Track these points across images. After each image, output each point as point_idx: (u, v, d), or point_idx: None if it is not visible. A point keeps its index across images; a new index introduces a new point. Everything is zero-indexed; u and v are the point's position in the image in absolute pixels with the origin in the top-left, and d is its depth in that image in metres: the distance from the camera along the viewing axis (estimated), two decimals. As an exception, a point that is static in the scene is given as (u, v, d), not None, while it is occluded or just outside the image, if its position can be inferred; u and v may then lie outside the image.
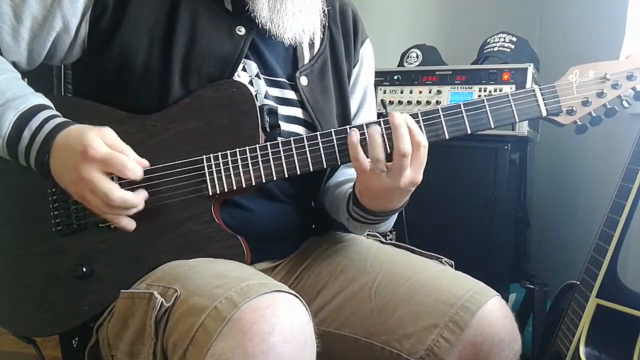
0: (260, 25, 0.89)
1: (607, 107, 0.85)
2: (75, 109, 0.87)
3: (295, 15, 0.90)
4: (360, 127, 0.82)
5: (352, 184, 0.93)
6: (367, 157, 0.80)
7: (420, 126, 0.81)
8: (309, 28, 0.93)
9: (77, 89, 1.00)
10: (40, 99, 0.83)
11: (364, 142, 0.80)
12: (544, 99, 0.84)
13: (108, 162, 0.75)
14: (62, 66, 1.10)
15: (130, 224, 0.81)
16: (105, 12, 0.87)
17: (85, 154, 0.74)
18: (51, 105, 0.83)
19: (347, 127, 0.84)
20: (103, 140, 0.76)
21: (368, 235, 1.08)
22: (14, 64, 0.88)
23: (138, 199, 0.79)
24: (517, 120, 0.84)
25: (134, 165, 0.77)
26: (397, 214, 0.91)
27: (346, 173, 1.03)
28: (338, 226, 1.04)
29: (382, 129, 0.80)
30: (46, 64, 0.93)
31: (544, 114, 0.84)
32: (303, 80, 0.96)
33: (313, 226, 1.05)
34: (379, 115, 1.43)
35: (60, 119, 0.81)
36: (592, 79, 0.84)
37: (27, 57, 0.88)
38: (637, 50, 0.85)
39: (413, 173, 0.79)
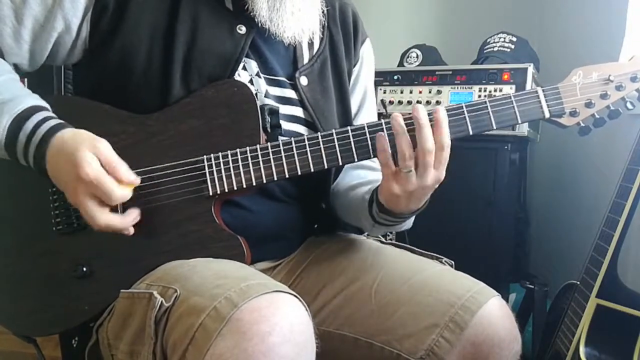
0: (259, 25, 0.90)
1: (611, 108, 0.85)
2: (76, 108, 0.87)
3: (294, 15, 0.90)
4: (361, 127, 0.83)
5: (367, 187, 0.93)
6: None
7: None
8: (309, 27, 0.93)
9: (77, 89, 1.00)
10: (36, 100, 0.83)
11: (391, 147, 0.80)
12: (546, 101, 0.84)
13: (95, 187, 0.76)
14: (62, 66, 1.10)
15: (128, 230, 0.81)
16: (105, 12, 0.87)
17: (76, 174, 0.75)
18: (46, 106, 0.83)
19: (348, 127, 0.84)
20: (97, 155, 0.76)
21: (368, 235, 1.08)
22: (16, 66, 0.88)
23: (125, 222, 0.80)
24: (520, 121, 0.84)
25: (119, 192, 0.77)
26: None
27: (355, 176, 1.02)
28: (343, 226, 1.04)
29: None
30: (48, 64, 0.93)
31: (547, 115, 0.84)
32: (303, 80, 0.96)
33: (316, 226, 1.05)
34: (379, 115, 1.43)
35: (56, 121, 0.80)
36: (596, 80, 0.84)
37: (29, 58, 0.88)
38: (640, 52, 0.85)
39: (438, 171, 0.79)
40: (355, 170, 1.03)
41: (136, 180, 0.80)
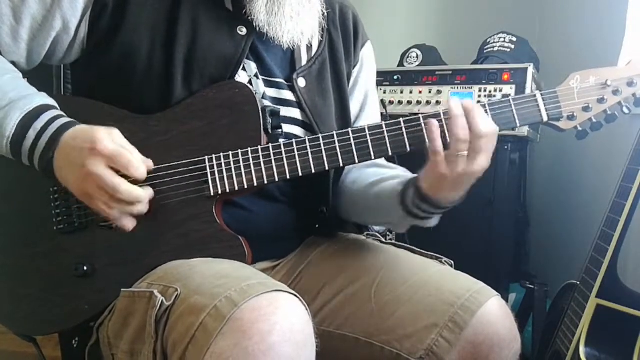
0: (257, 28, 0.90)
1: (608, 113, 0.85)
2: (76, 108, 0.87)
3: (293, 19, 0.90)
4: (362, 129, 0.83)
5: (396, 181, 0.92)
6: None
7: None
8: (307, 31, 0.93)
9: (76, 89, 1.00)
10: (45, 98, 0.83)
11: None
12: (545, 104, 0.84)
13: (115, 158, 0.76)
14: (62, 66, 1.10)
15: (130, 224, 0.81)
16: (105, 12, 0.87)
17: (93, 149, 0.75)
18: (56, 105, 0.84)
19: (349, 129, 0.84)
20: (111, 138, 0.77)
21: (368, 235, 1.08)
22: (14, 64, 0.88)
23: (145, 193, 0.80)
24: (519, 125, 0.84)
25: (140, 164, 0.78)
26: None
27: (373, 173, 1.01)
28: (345, 226, 1.04)
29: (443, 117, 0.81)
30: (45, 64, 0.93)
31: (545, 119, 0.85)
32: (301, 82, 0.96)
33: (317, 226, 1.05)
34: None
35: (65, 119, 0.81)
36: (593, 85, 0.85)
37: (27, 57, 0.88)
38: (637, 57, 0.86)
39: (487, 156, 0.80)
40: (369, 168, 1.02)
41: (149, 162, 0.81)
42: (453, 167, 0.80)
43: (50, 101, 0.83)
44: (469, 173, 0.80)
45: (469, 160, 0.79)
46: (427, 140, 0.81)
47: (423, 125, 0.82)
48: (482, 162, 0.80)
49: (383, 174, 0.99)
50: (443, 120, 0.81)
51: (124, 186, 0.77)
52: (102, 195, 0.77)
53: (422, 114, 0.83)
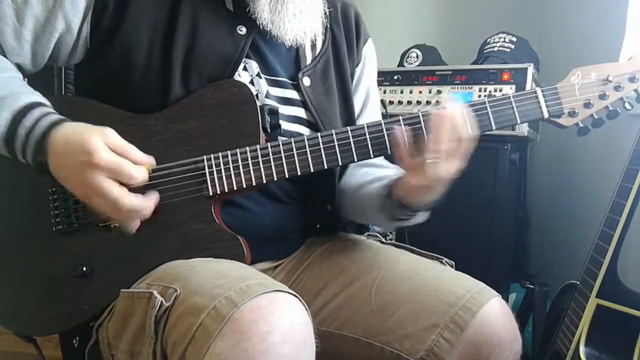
0: (261, 27, 0.89)
1: (609, 109, 0.85)
2: (75, 107, 0.87)
3: (296, 17, 0.90)
4: (361, 127, 0.83)
5: (382, 183, 0.93)
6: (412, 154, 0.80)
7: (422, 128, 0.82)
8: (310, 29, 0.93)
9: (78, 89, 1.00)
10: (36, 97, 0.83)
11: (412, 138, 0.81)
12: (545, 101, 0.84)
13: (114, 170, 0.75)
14: (63, 67, 1.10)
15: (134, 227, 0.80)
16: (105, 12, 0.87)
17: (90, 162, 0.74)
18: (46, 102, 0.83)
19: (348, 127, 0.84)
20: (106, 143, 0.75)
21: (368, 235, 1.08)
22: (19, 66, 0.88)
23: (148, 204, 0.79)
24: (519, 122, 0.84)
25: (140, 172, 0.77)
26: None
27: (365, 174, 1.02)
28: (345, 226, 1.04)
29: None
30: (49, 65, 0.93)
31: (546, 115, 0.84)
32: (306, 81, 0.96)
33: (318, 226, 1.05)
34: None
35: (55, 116, 0.80)
36: (594, 80, 0.84)
37: (31, 58, 0.88)
38: (639, 52, 0.85)
39: (460, 161, 0.80)
40: (362, 168, 1.03)
41: (151, 159, 0.80)
42: (426, 175, 0.80)
43: (42, 99, 0.83)
44: (443, 178, 0.80)
45: (442, 166, 0.79)
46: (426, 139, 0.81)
47: (422, 122, 0.82)
48: (457, 166, 0.80)
49: (372, 175, 1.00)
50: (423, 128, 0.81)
51: (126, 200, 0.76)
52: (104, 205, 0.77)
53: (421, 112, 0.83)
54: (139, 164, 0.78)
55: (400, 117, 0.83)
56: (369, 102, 1.10)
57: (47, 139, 0.77)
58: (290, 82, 0.96)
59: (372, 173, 1.01)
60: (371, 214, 0.97)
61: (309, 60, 0.99)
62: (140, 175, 0.77)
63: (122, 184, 0.76)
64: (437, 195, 0.85)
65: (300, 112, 0.96)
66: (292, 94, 0.96)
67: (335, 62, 1.02)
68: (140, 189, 0.79)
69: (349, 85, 1.04)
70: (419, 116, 0.82)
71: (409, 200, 0.85)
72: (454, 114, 0.79)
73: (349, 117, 1.03)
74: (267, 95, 0.93)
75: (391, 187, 0.88)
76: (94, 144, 0.74)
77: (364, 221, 0.99)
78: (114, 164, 0.75)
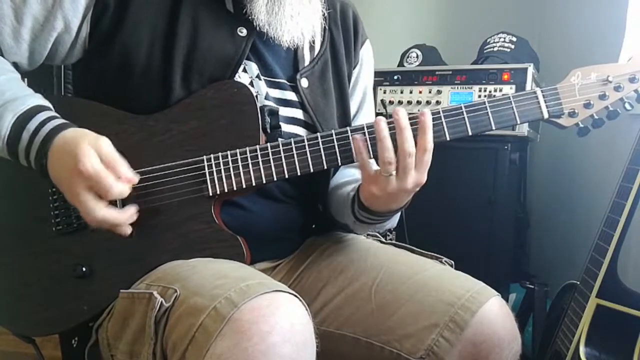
0: (258, 28, 0.90)
1: (609, 109, 0.85)
2: (76, 108, 0.87)
3: (293, 18, 0.90)
4: (360, 128, 0.83)
5: (353, 185, 0.93)
6: (372, 159, 0.80)
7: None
8: (308, 31, 0.93)
9: (77, 89, 1.00)
10: (39, 100, 0.83)
11: (372, 146, 0.81)
12: (545, 101, 0.84)
13: (94, 182, 0.76)
14: (62, 66, 1.10)
15: (125, 231, 0.81)
16: (106, 12, 0.87)
17: (75, 168, 0.75)
18: (50, 106, 0.83)
19: (348, 128, 0.84)
20: (97, 152, 0.76)
21: (368, 235, 1.08)
22: (15, 65, 0.88)
23: (121, 218, 0.79)
24: (519, 122, 0.84)
25: (117, 187, 0.77)
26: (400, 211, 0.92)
27: (346, 174, 1.03)
28: (339, 226, 1.04)
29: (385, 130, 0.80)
30: (47, 64, 0.92)
31: (546, 116, 0.84)
32: (304, 82, 0.96)
33: (313, 226, 1.05)
34: (379, 116, 1.42)
35: (59, 121, 0.81)
36: (594, 81, 0.84)
37: (28, 57, 0.88)
38: (639, 53, 0.85)
39: (418, 174, 0.80)
40: (346, 169, 1.03)
41: (134, 178, 0.80)
42: (383, 186, 0.80)
43: (45, 102, 0.83)
44: (402, 190, 0.80)
45: (399, 179, 0.79)
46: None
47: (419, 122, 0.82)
48: (415, 180, 0.80)
49: (351, 176, 1.01)
50: (368, 140, 0.81)
51: (98, 213, 0.76)
52: (81, 212, 0.78)
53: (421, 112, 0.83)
54: (122, 179, 0.78)
55: (365, 125, 0.83)
56: (364, 103, 1.10)
57: (48, 143, 0.78)
58: (288, 83, 0.96)
59: (352, 174, 1.01)
60: (343, 216, 0.97)
61: (307, 62, 0.99)
62: (117, 190, 0.77)
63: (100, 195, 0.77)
64: (401, 204, 0.85)
65: (298, 114, 0.96)
66: (291, 95, 0.96)
67: (333, 64, 1.02)
68: (130, 200, 0.80)
69: (346, 86, 1.04)
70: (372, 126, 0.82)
71: (373, 207, 0.86)
72: (400, 126, 0.78)
73: (345, 118, 1.03)
74: (266, 97, 0.93)
75: (358, 191, 0.88)
76: (83, 150, 0.75)
77: (343, 221, 1.00)
78: (95, 173, 0.75)
